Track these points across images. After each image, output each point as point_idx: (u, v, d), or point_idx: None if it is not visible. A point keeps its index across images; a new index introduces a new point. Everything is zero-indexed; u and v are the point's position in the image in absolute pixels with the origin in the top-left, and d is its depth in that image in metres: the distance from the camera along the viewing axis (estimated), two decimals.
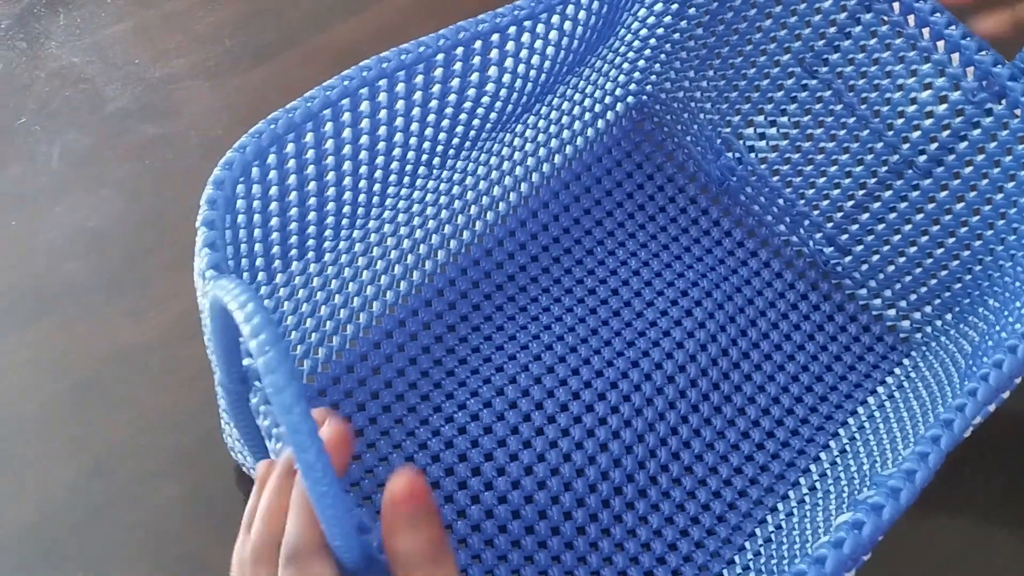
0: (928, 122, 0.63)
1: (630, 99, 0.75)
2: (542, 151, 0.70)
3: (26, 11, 0.76)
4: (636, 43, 0.71)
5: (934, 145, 0.63)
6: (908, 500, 0.41)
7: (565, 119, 0.70)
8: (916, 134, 0.64)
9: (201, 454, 0.60)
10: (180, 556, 0.57)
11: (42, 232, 0.67)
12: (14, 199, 0.68)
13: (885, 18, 0.63)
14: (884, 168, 0.66)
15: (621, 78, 0.74)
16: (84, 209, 0.68)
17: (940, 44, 0.61)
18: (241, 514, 0.57)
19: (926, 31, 0.61)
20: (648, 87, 0.75)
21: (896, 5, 0.62)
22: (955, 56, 0.61)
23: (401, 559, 0.35)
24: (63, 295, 0.65)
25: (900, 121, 0.64)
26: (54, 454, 0.59)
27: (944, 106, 0.62)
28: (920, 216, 0.66)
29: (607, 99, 0.74)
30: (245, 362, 0.40)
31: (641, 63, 0.73)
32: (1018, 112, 0.59)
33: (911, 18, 0.62)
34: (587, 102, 0.72)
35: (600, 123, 0.74)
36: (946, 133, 0.62)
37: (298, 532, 0.35)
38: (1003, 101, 0.59)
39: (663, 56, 0.73)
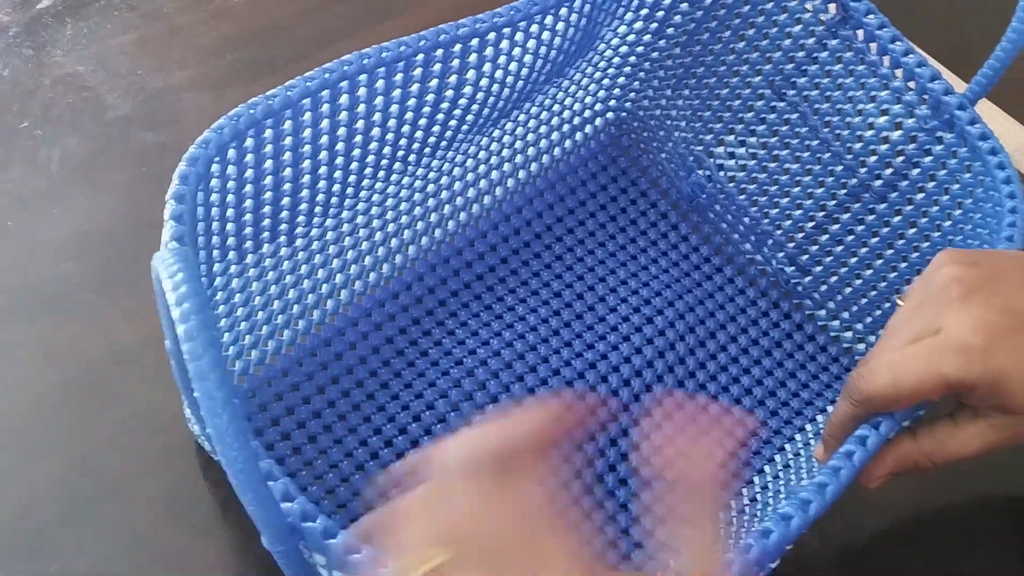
0: (884, 147, 0.65)
1: (609, 115, 0.78)
2: (519, 157, 0.72)
3: (34, 20, 0.79)
4: (616, 59, 0.73)
5: (889, 171, 0.65)
6: (817, 512, 0.45)
7: (544, 128, 0.72)
8: (873, 159, 0.65)
9: (186, 453, 0.61)
10: (159, 553, 0.58)
11: (40, 233, 0.69)
12: (13, 200, 0.70)
13: (850, 44, 0.65)
14: (843, 191, 0.68)
15: (601, 93, 0.76)
16: (82, 212, 0.70)
17: (898, 72, 0.63)
18: (220, 514, 0.59)
19: (886, 59, 0.63)
20: (627, 104, 0.77)
21: (860, 32, 0.64)
22: (911, 84, 0.62)
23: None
24: (58, 295, 0.66)
25: (859, 145, 0.66)
26: (41, 448, 0.60)
27: (899, 132, 0.64)
28: (875, 240, 0.67)
29: (587, 113, 0.76)
30: None
31: (621, 80, 0.76)
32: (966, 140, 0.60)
33: (873, 45, 0.63)
34: (566, 114, 0.74)
35: (579, 135, 0.76)
36: (900, 159, 0.64)
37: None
38: (952, 129, 0.61)
39: (642, 74, 0.75)
